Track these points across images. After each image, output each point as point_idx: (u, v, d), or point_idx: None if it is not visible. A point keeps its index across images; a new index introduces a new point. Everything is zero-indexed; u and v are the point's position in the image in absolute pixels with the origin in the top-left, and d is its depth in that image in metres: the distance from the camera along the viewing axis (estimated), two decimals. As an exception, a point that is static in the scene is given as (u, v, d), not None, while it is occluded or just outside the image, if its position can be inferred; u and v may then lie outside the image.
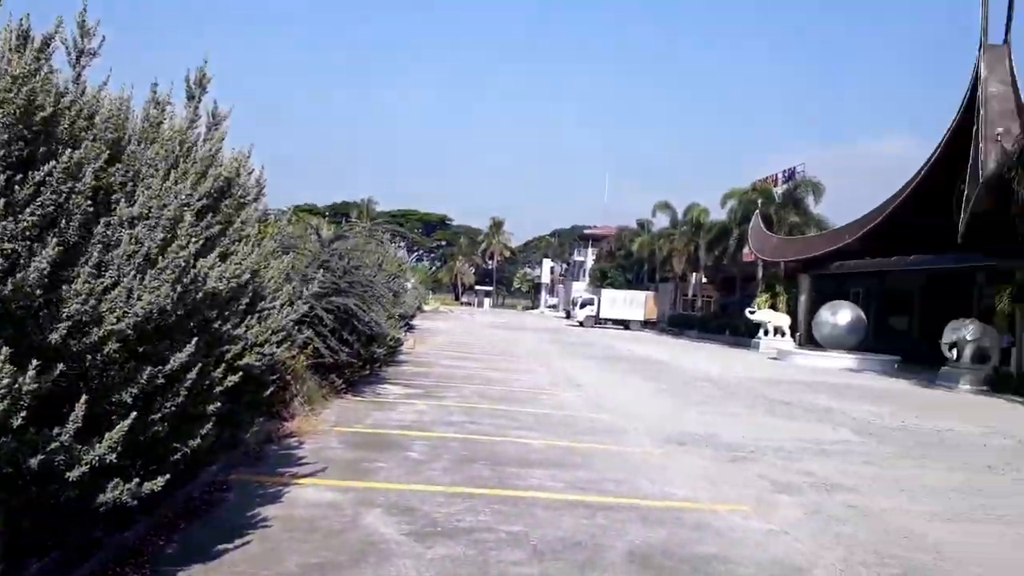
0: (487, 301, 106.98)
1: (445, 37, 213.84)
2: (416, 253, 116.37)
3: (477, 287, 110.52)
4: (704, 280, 57.57)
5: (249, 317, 5.55)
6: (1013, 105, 24.01)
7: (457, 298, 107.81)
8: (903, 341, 33.94)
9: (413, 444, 8.58)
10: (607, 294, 58.60)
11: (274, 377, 6.82)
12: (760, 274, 42.01)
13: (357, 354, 11.43)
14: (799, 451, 9.94)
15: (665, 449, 9.47)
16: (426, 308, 53.44)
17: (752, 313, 37.03)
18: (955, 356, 22.90)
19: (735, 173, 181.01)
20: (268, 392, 6.50)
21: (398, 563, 4.85)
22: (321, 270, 10.72)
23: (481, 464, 7.82)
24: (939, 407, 16.93)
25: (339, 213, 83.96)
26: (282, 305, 6.16)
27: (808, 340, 34.20)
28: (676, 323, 54.43)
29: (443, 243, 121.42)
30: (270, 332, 5.76)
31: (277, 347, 5.93)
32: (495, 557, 5.06)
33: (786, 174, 45.56)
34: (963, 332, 22.67)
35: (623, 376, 19.23)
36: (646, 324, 56.77)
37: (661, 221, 60.77)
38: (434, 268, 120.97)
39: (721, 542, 5.73)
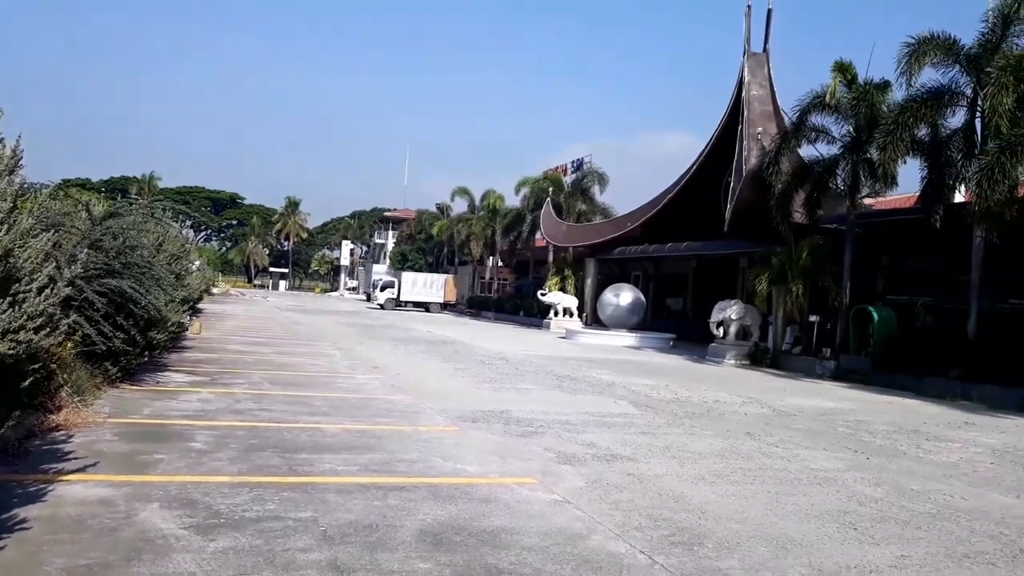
0: (283, 283, 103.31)
1: (245, 6, 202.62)
2: (204, 232, 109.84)
3: (272, 269, 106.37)
4: (500, 263, 59.11)
5: (0, 301, 5.01)
6: (771, 107, 26.62)
7: (250, 280, 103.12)
8: (678, 320, 36.78)
9: (196, 434, 8.15)
10: (408, 276, 58.60)
11: (35, 367, 6.22)
12: (551, 258, 43.77)
13: (133, 340, 10.64)
14: (583, 424, 10.52)
15: (459, 427, 9.67)
16: (215, 291, 50.72)
17: (544, 295, 38.64)
18: (722, 334, 25.14)
19: (532, 161, 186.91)
20: (26, 383, 5.92)
21: (177, 558, 4.61)
22: (90, 250, 9.86)
23: (270, 452, 7.58)
24: (707, 380, 18.54)
25: (117, 189, 77.48)
26: (40, 288, 5.61)
27: (594, 320, 36.12)
28: (474, 305, 55.47)
29: (234, 222, 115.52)
30: (26, 317, 5.24)
31: (35, 333, 5.40)
32: (282, 545, 4.95)
33: (575, 164, 47.71)
34: (728, 312, 24.92)
35: (421, 357, 19.35)
36: (446, 306, 57.47)
37: (460, 206, 61.71)
38: (224, 249, 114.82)
39: (509, 514, 5.96)
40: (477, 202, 58.09)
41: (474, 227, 55.28)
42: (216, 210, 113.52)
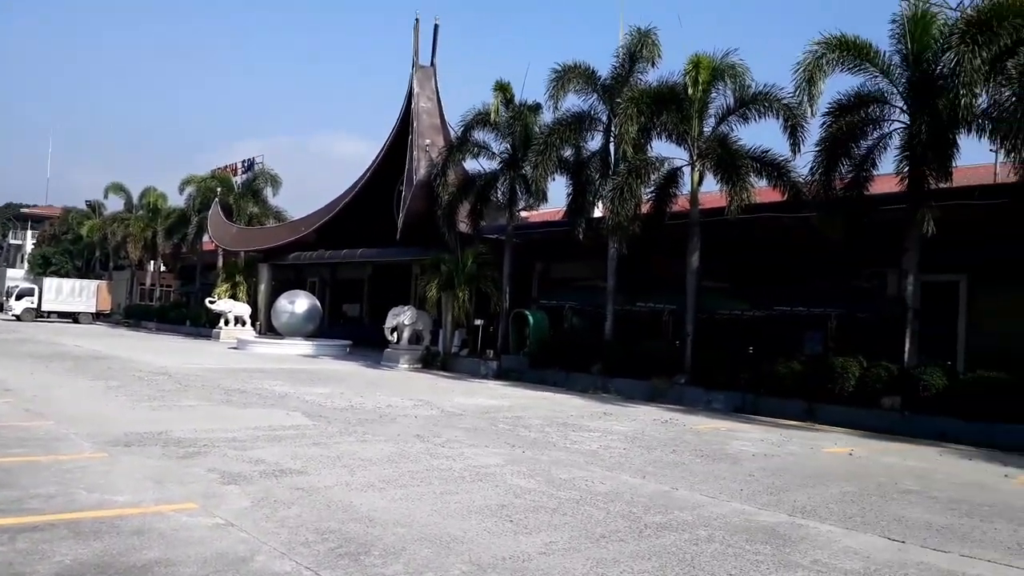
0: None
1: None
2: None
3: None
4: (164, 268, 54.83)
5: None
6: (439, 121, 27.90)
7: None
8: (355, 326, 36.99)
9: None
10: (51, 283, 51.56)
11: None
12: (221, 263, 41.57)
13: None
14: (252, 439, 10.18)
15: (109, 453, 8.83)
16: None
17: (213, 303, 36.47)
18: (396, 339, 25.76)
19: (199, 160, 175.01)
20: None
21: None
22: None
23: None
24: (382, 385, 18.89)
25: None
26: None
27: (268, 328, 35.00)
28: (133, 314, 50.75)
29: None
30: None
31: None
32: None
33: (246, 164, 45.79)
34: (402, 317, 25.61)
35: (67, 376, 17.29)
36: (99, 316, 51.74)
37: (116, 204, 56.26)
38: None
39: (164, 544, 5.60)
40: (135, 200, 53.32)
41: (132, 228, 50.52)
42: None
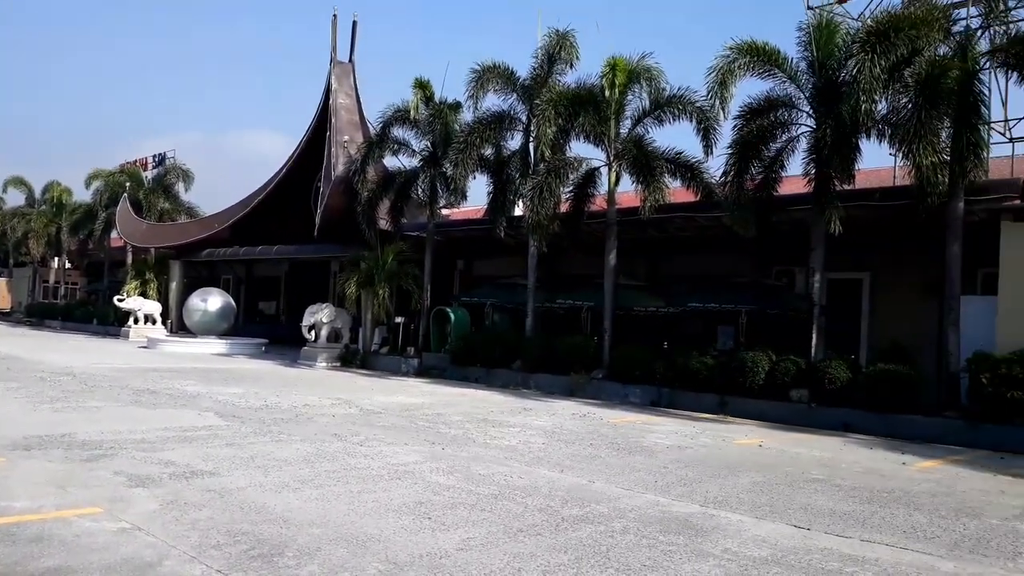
0: None
1: None
2: None
3: None
4: (69, 265, 52.49)
5: None
6: (358, 117, 27.59)
7: None
8: (271, 324, 36.25)
9: None
10: (-60, 282, 48.91)
11: None
12: (130, 260, 40.11)
13: None
14: (162, 441, 9.88)
15: (7, 458, 8.43)
16: None
17: (121, 301, 35.09)
18: (314, 337, 25.35)
19: (109, 153, 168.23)
20: None
21: None
22: None
23: None
24: (299, 384, 18.57)
25: None
26: None
27: (180, 327, 33.96)
28: (36, 313, 48.46)
29: None
30: None
31: None
32: None
33: (157, 159, 44.24)
34: (320, 315, 25.22)
35: (-43, 379, 16.39)
36: (-3, 315, 49.23)
37: (16, 198, 53.57)
38: None
39: (65, 552, 5.38)
40: (38, 195, 50.88)
41: (34, 223, 48.17)
42: None
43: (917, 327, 17.52)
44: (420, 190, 24.62)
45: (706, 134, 18.39)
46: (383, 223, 25.13)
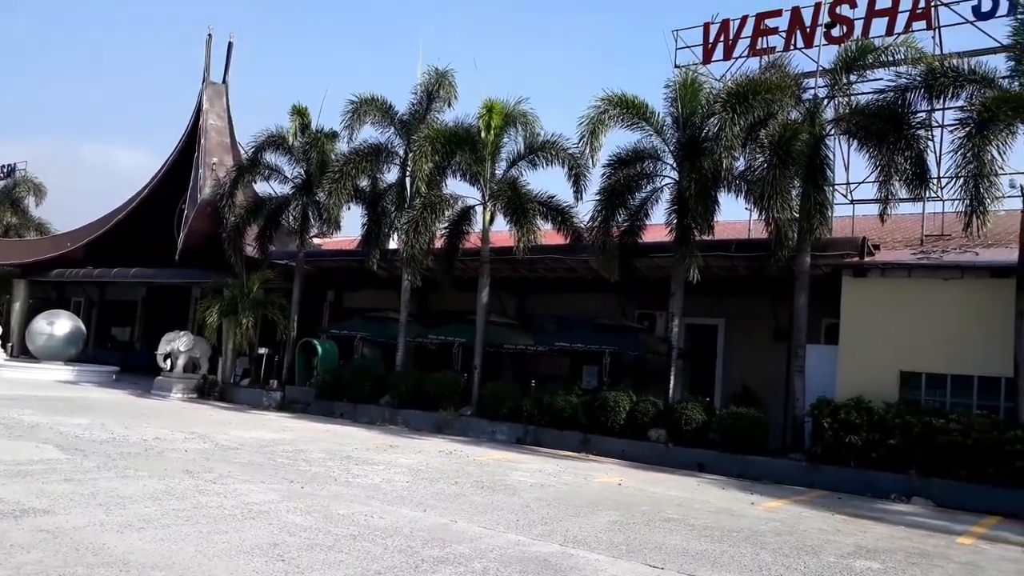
0: None
1: None
2: None
3: None
4: None
5: None
6: (229, 139, 26.83)
7: None
8: (126, 352, 34.26)
9: None
10: None
11: None
12: (-33, 277, 37.02)
13: None
14: (-9, 478, 9.11)
15: None
16: None
17: (-47, 321, 32.28)
18: (170, 366, 24.16)
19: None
20: None
21: None
22: None
23: None
24: (151, 416, 17.59)
25: None
26: None
27: (22, 351, 31.55)
28: None
29: None
30: None
31: None
32: None
33: (5, 170, 41.35)
34: (177, 343, 24.08)
35: None
36: None
37: None
38: None
39: None
40: None
41: None
42: None
43: (768, 372, 18.56)
44: (292, 217, 24.11)
45: (577, 180, 19.00)
46: (250, 249, 24.40)
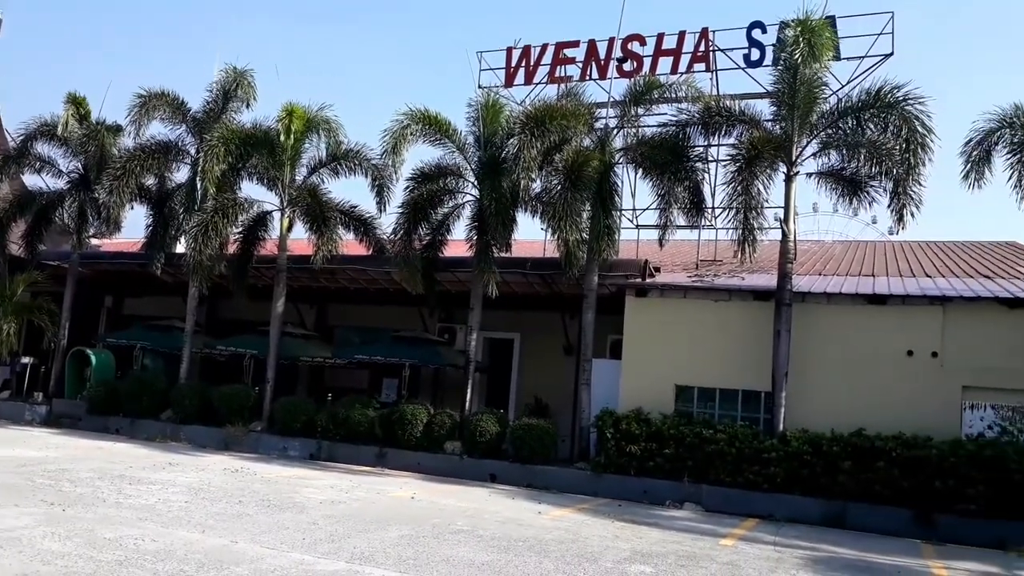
0: None
1: None
2: None
3: None
4: None
5: None
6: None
7: None
8: None
9: None
10: None
11: None
12: None
13: None
14: None
15: None
16: None
17: None
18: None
19: None
20: None
21: None
22: None
23: None
24: None
25: None
26: None
27: None
28: None
29: None
30: None
31: None
32: None
33: None
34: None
35: None
36: None
37: None
38: None
39: None
40: None
41: None
42: None
43: (559, 385, 19.36)
44: (66, 215, 22.09)
45: (380, 191, 18.88)
46: (15, 248, 22.12)
